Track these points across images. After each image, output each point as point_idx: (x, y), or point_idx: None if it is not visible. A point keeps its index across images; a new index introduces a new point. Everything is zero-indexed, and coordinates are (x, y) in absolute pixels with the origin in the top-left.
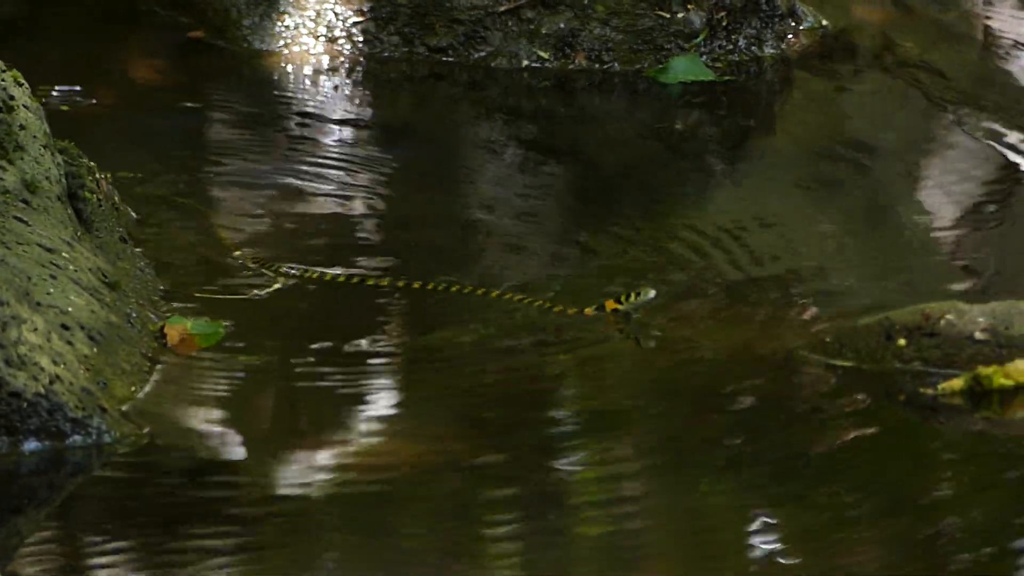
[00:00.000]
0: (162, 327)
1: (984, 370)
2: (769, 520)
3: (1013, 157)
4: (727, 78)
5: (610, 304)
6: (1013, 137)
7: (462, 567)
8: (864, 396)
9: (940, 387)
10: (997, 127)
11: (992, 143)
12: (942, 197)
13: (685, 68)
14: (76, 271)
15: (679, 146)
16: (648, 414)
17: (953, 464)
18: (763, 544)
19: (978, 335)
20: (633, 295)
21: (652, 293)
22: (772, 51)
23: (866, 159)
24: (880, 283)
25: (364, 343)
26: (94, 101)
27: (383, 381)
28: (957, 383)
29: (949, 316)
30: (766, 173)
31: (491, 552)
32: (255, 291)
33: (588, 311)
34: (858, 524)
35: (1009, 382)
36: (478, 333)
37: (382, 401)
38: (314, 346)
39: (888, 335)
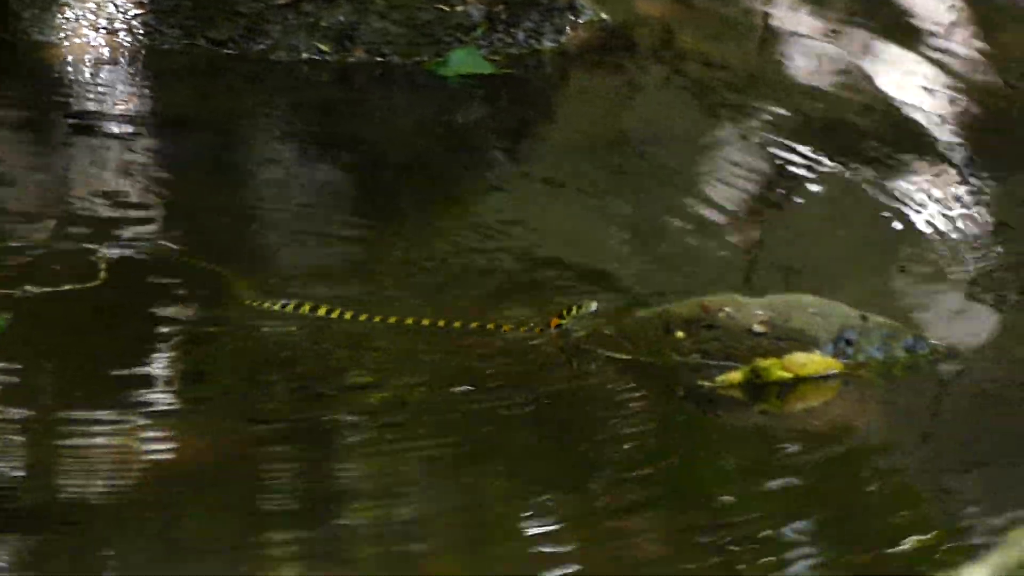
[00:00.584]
0: None
1: (762, 363)
2: (547, 509)
3: (789, 152)
4: (506, 71)
5: (553, 321)
6: (789, 131)
7: (245, 562)
8: (643, 388)
9: (719, 379)
10: (774, 121)
11: (770, 136)
12: (721, 190)
13: (464, 61)
14: None
15: (459, 139)
16: (426, 406)
17: (731, 455)
18: (540, 533)
19: (756, 328)
20: (575, 308)
21: (594, 306)
22: (551, 44)
23: (646, 152)
24: (660, 276)
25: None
26: None
27: (167, 371)
28: (736, 376)
29: (728, 309)
30: (546, 166)
31: (272, 547)
32: (27, 287)
33: (536, 329)
34: (635, 514)
35: (787, 375)
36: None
37: (166, 395)
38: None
39: (667, 328)
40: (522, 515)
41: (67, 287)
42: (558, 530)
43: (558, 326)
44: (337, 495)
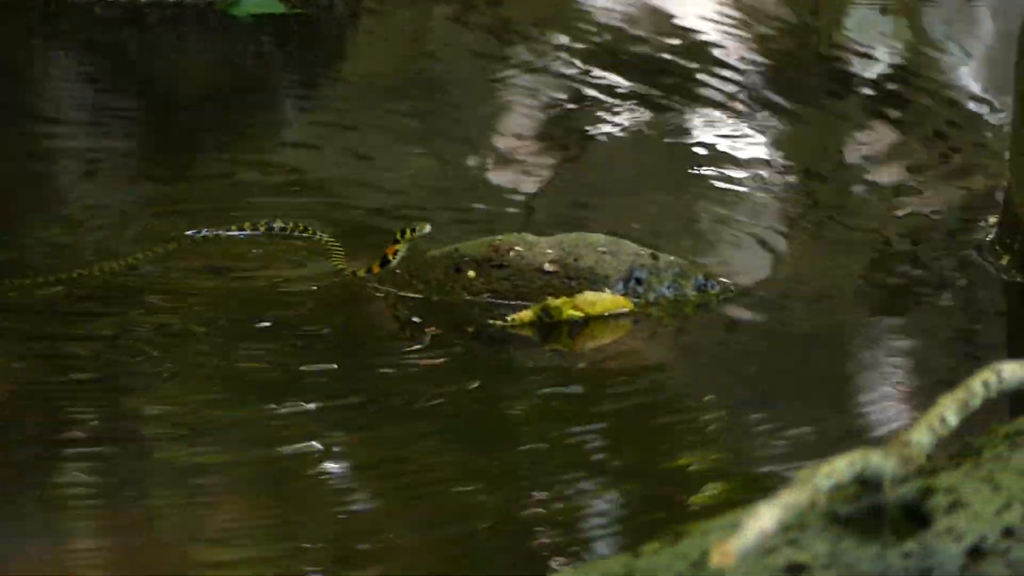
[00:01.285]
0: None
1: (553, 301)
2: (319, 447)
3: (581, 90)
4: (298, 10)
5: (390, 249)
6: (579, 70)
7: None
8: (434, 327)
9: (509, 319)
10: (570, 56)
11: (562, 75)
12: (513, 130)
13: (256, 1)
14: None
15: (252, 80)
16: (220, 348)
17: (522, 396)
18: (335, 479)
19: (547, 267)
20: (409, 231)
21: (427, 228)
22: None
23: (439, 92)
24: (451, 215)
25: None
26: None
27: None
28: (526, 315)
29: (518, 248)
30: (338, 106)
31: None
32: None
33: (375, 268)
34: (428, 453)
35: (578, 313)
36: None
37: None
38: None
39: (457, 267)
40: (314, 454)
41: None
42: (348, 467)
43: (395, 253)
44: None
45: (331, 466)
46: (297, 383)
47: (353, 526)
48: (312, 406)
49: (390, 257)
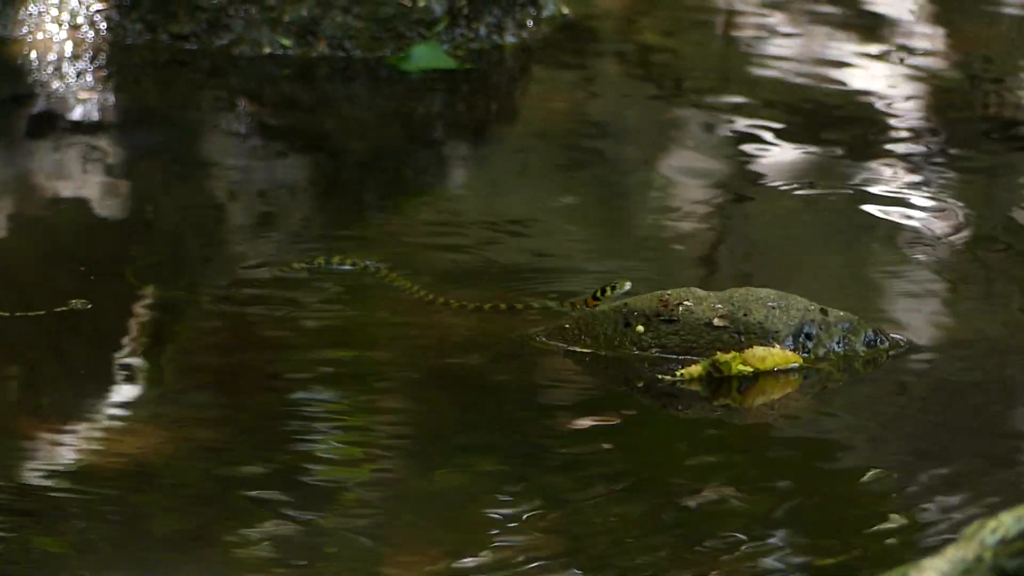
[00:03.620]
0: None
1: (722, 356)
2: (512, 509)
3: (750, 146)
4: (468, 66)
5: (590, 301)
6: (750, 123)
7: (214, 553)
8: (603, 383)
9: (679, 373)
10: (737, 112)
11: (731, 132)
12: (683, 185)
13: (426, 56)
14: None
15: (422, 135)
16: (392, 401)
17: (693, 450)
18: (507, 532)
19: (716, 322)
20: (609, 288)
21: (628, 285)
22: (513, 39)
23: (609, 147)
24: (622, 269)
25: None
26: None
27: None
28: (696, 369)
29: (687, 303)
30: (509, 161)
31: (242, 538)
32: None
33: (574, 304)
34: (602, 510)
35: (747, 368)
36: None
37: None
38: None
39: (627, 322)
40: (493, 507)
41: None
42: (527, 522)
43: (595, 306)
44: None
45: (505, 528)
46: (470, 443)
47: None
48: (488, 463)
49: (589, 306)
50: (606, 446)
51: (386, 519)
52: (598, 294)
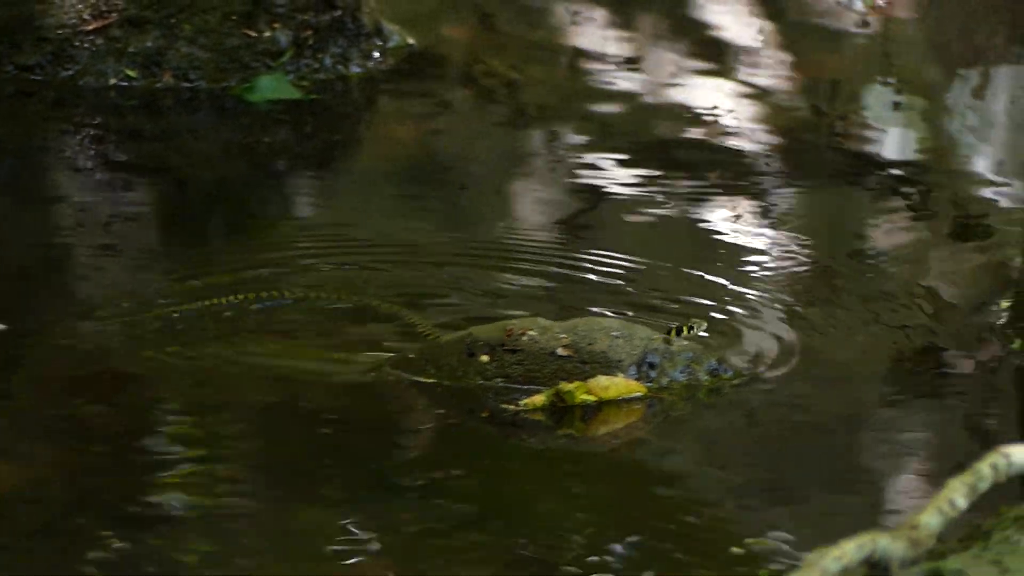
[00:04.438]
0: None
1: (566, 386)
2: (360, 538)
3: (595, 173)
4: (313, 96)
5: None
6: (598, 151)
7: None
8: (448, 413)
9: (522, 403)
10: (583, 142)
11: (579, 157)
12: (532, 212)
13: (271, 86)
14: None
15: (267, 166)
16: (240, 432)
17: (536, 480)
18: (353, 562)
19: (560, 351)
20: (686, 329)
21: (704, 325)
22: (359, 69)
23: (456, 176)
24: (469, 299)
25: None
26: None
27: None
28: (539, 399)
29: (531, 332)
30: (355, 190)
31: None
32: None
33: None
34: (447, 537)
35: (591, 398)
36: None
37: None
38: None
39: (471, 352)
40: (339, 537)
41: None
42: (373, 551)
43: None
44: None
45: (353, 558)
46: (315, 474)
47: None
48: (329, 491)
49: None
50: (451, 476)
51: (233, 549)
52: (672, 335)
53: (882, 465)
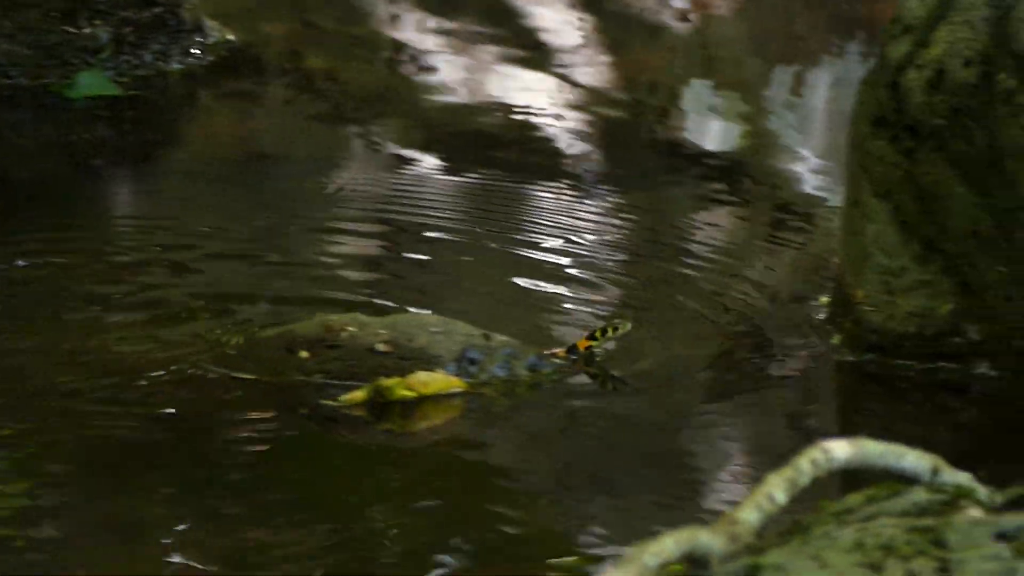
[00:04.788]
0: None
1: (385, 381)
2: (181, 530)
3: (414, 169)
4: (133, 92)
5: (582, 343)
6: (418, 146)
7: None
8: (267, 409)
9: (342, 399)
10: (404, 136)
11: (399, 152)
12: (348, 210)
13: (90, 83)
14: None
15: (87, 163)
16: (63, 429)
17: (355, 475)
18: (177, 557)
19: (380, 347)
20: (611, 329)
21: (629, 326)
22: (179, 66)
23: (275, 171)
24: (290, 296)
25: None
26: None
27: None
28: (359, 395)
29: (351, 328)
30: (174, 186)
31: None
32: None
33: (559, 352)
34: (268, 531)
35: (411, 393)
36: None
37: None
38: None
39: (290, 348)
40: (163, 531)
41: None
42: (195, 544)
43: (588, 348)
44: None
45: (179, 546)
46: (132, 469)
47: None
48: (148, 485)
49: (580, 349)
50: (271, 471)
51: (58, 546)
52: (597, 334)
53: (703, 460)
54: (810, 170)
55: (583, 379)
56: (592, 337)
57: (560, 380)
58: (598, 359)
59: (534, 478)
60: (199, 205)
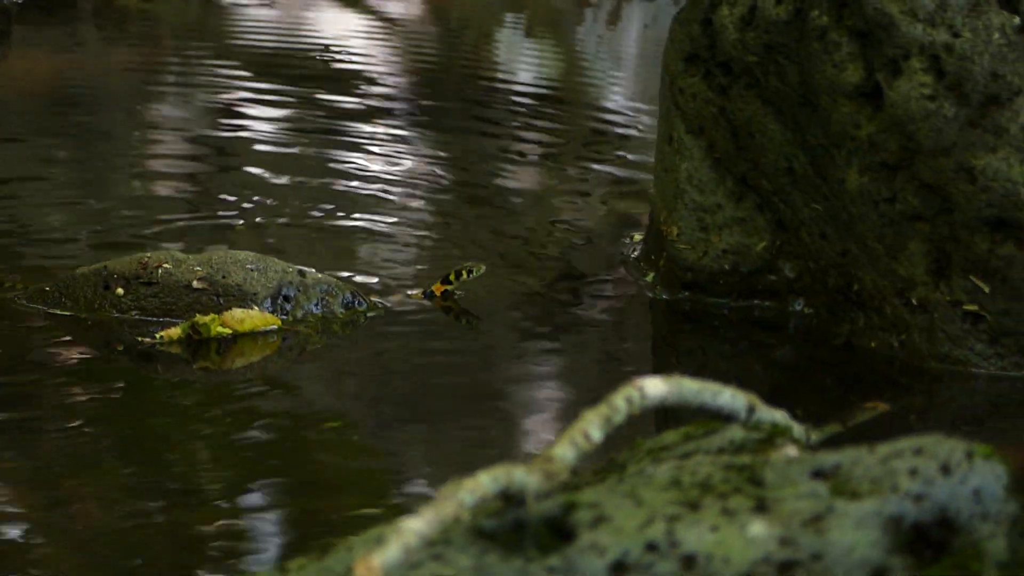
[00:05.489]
0: None
1: (201, 318)
2: (9, 472)
3: (231, 107)
4: None
5: (438, 287)
6: (229, 86)
7: None
8: (83, 346)
9: (158, 336)
10: (215, 77)
11: (212, 93)
12: (167, 150)
13: None
14: None
15: None
16: None
17: (173, 412)
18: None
19: (196, 284)
20: (465, 272)
21: (483, 268)
22: None
23: (90, 111)
24: (104, 236)
25: None
26: None
27: None
28: (175, 332)
29: (167, 265)
30: None
31: None
32: None
33: (414, 294)
34: (88, 471)
35: (226, 330)
36: None
37: None
38: None
39: (106, 284)
40: None
41: None
42: (13, 484)
43: (444, 292)
44: None
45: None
46: None
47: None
48: None
49: (437, 292)
50: (88, 408)
51: None
52: (451, 277)
53: (518, 397)
54: (624, 107)
55: (398, 315)
56: (447, 280)
57: (375, 318)
58: (455, 297)
59: (348, 416)
60: (13, 145)
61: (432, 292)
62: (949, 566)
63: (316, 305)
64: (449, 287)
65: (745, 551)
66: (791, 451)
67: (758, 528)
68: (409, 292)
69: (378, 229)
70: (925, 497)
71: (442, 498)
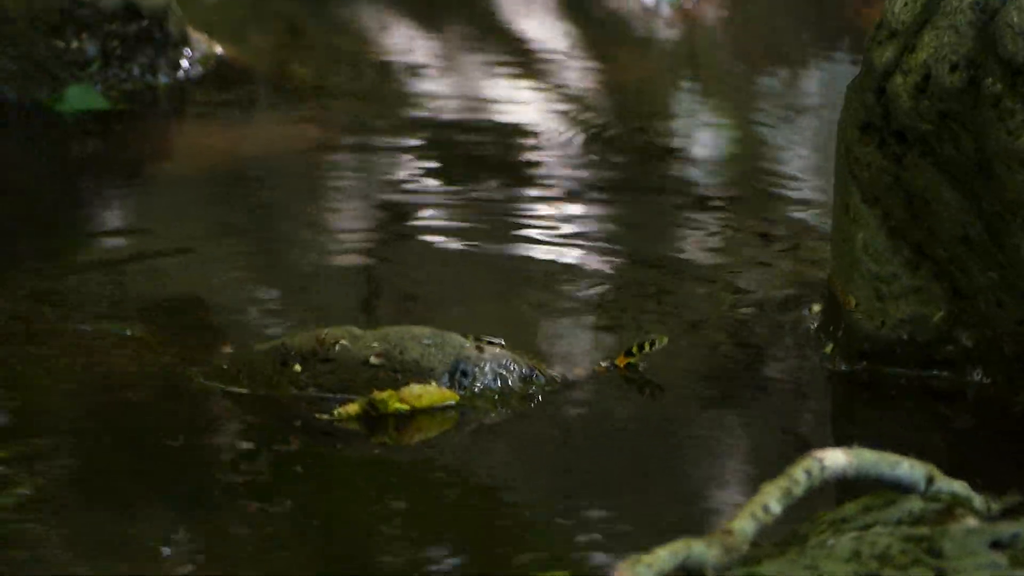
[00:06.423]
0: None
1: (379, 394)
2: (185, 549)
3: (407, 186)
4: (121, 107)
5: (621, 359)
6: (411, 159)
7: None
8: (262, 423)
9: (335, 412)
10: (397, 150)
11: (393, 166)
12: (345, 224)
13: (79, 97)
14: None
15: (76, 178)
16: (53, 440)
17: (352, 488)
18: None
19: (373, 360)
20: (647, 345)
21: (666, 340)
22: (166, 79)
23: (268, 185)
24: (283, 309)
25: None
26: None
27: None
28: (352, 408)
29: (344, 341)
30: (166, 200)
31: None
32: None
33: (601, 368)
34: (267, 547)
35: (404, 406)
36: None
37: None
38: None
39: (284, 361)
40: (159, 548)
41: None
42: (199, 562)
43: (627, 364)
44: None
45: (177, 563)
46: (132, 489)
47: None
48: (147, 504)
49: (621, 365)
50: (267, 486)
51: (48, 560)
52: (634, 350)
53: (697, 471)
54: (799, 176)
55: (577, 391)
56: (629, 353)
57: (553, 391)
58: (640, 370)
59: (528, 488)
60: (189, 217)
61: (615, 364)
62: None
63: (494, 379)
64: (632, 359)
65: None
66: (970, 522)
67: None
68: (600, 365)
69: (555, 300)
70: None
71: (621, 572)
